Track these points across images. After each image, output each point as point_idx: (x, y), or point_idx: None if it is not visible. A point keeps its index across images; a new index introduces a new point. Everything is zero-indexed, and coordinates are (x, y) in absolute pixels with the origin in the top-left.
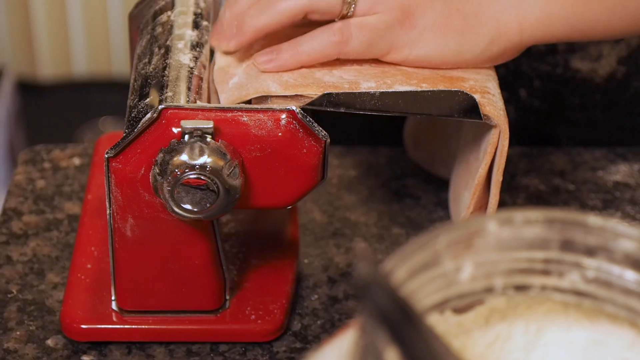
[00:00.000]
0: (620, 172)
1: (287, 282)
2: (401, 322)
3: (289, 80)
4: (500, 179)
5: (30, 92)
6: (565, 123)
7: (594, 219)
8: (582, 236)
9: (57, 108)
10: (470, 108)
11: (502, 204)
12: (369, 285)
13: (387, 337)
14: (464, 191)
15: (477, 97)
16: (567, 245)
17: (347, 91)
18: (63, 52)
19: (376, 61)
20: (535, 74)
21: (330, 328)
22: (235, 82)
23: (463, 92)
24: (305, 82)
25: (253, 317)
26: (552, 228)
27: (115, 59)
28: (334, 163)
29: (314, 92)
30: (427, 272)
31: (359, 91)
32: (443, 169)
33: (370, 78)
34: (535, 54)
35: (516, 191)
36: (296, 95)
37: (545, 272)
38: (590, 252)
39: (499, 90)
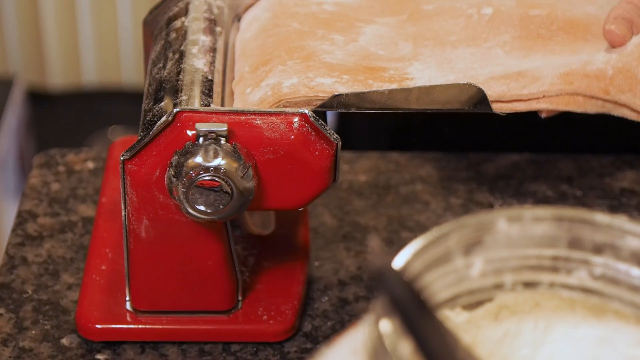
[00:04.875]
0: (627, 178)
1: (299, 284)
2: (414, 311)
3: (253, 100)
4: None
5: (40, 101)
6: (573, 129)
7: (601, 217)
8: (589, 234)
9: (66, 117)
10: (480, 100)
11: None
12: (383, 275)
13: (401, 326)
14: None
15: (394, 85)
16: (574, 243)
17: (357, 91)
18: (73, 62)
19: (302, 57)
20: None
21: (341, 329)
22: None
23: (472, 84)
24: (266, 95)
25: (265, 317)
26: (561, 226)
27: (125, 69)
28: (344, 168)
29: (271, 103)
30: (439, 268)
31: (368, 90)
32: None
33: (293, 75)
34: None
35: (524, 197)
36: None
37: (554, 269)
38: (598, 249)
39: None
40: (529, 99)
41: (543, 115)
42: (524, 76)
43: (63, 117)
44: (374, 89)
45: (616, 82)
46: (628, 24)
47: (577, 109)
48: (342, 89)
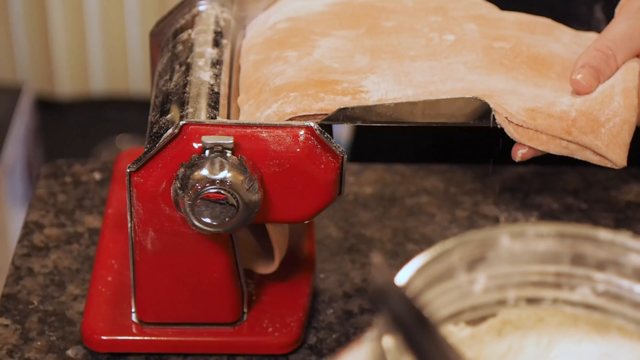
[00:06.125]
0: (632, 191)
1: (304, 296)
2: (416, 328)
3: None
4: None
5: (48, 109)
6: None
7: (604, 234)
8: (592, 250)
9: (75, 125)
10: (484, 114)
11: (515, 222)
12: (384, 292)
13: (403, 342)
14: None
15: (347, 99)
16: (577, 259)
17: (362, 105)
18: (81, 70)
19: (255, 94)
20: None
21: (345, 342)
22: None
23: (477, 98)
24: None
25: (270, 329)
26: (563, 242)
27: (132, 78)
28: (350, 180)
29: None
30: (442, 284)
31: (373, 104)
32: None
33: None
34: None
35: (529, 209)
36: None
37: (557, 285)
38: (601, 266)
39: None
40: (496, 112)
41: (517, 159)
42: (488, 99)
43: (71, 125)
44: (326, 102)
45: (578, 124)
46: (595, 72)
47: (539, 147)
48: (289, 109)
